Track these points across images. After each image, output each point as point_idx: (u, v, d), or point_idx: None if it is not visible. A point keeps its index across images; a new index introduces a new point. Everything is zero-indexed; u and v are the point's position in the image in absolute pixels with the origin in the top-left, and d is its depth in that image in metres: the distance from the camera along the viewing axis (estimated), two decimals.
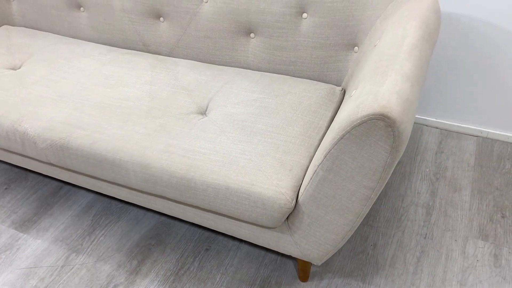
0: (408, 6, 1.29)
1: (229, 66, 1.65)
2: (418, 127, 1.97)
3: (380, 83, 0.99)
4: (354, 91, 1.13)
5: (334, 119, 1.20)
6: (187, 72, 1.57)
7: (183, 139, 1.28)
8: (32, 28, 1.96)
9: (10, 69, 1.65)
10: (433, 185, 1.69)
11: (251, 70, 1.60)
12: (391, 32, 1.20)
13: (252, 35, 1.59)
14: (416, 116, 2.00)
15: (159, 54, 1.76)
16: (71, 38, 1.84)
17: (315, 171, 1.08)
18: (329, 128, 1.14)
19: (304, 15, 1.48)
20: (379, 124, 0.93)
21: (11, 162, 1.59)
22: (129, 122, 1.35)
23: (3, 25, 1.97)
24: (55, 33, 1.91)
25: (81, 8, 1.83)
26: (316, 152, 1.14)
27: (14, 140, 1.40)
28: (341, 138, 0.99)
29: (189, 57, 1.70)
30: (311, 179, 1.10)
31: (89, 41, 1.86)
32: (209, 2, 1.59)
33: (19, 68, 1.66)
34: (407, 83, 1.00)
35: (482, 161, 1.79)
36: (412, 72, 1.05)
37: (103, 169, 1.30)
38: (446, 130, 1.95)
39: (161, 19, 1.71)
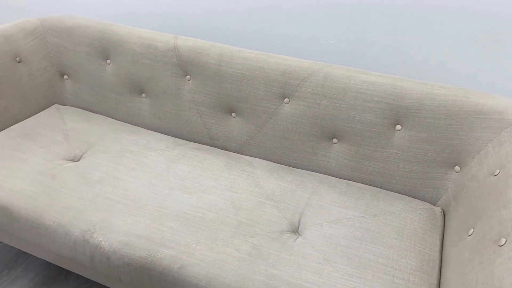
0: None
1: (306, 169, 1.49)
2: None
3: None
4: (472, 230, 0.99)
5: (444, 250, 1.04)
6: (267, 177, 1.40)
7: (285, 269, 1.09)
8: (84, 109, 1.78)
9: (70, 160, 1.45)
10: None
11: (334, 178, 1.44)
12: None
13: (335, 140, 1.44)
14: None
15: (227, 149, 1.59)
16: (130, 125, 1.67)
17: None
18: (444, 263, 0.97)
19: (398, 127, 1.35)
20: None
21: (56, 264, 1.36)
22: (218, 241, 1.16)
23: (53, 103, 1.78)
24: (110, 117, 1.73)
25: (143, 94, 1.67)
26: None
27: (82, 252, 1.19)
28: None
29: (262, 156, 1.54)
30: None
31: (148, 128, 1.68)
32: (290, 103, 1.44)
33: (79, 159, 1.47)
34: None
35: None
36: None
37: None
38: None
39: (233, 114, 1.56)
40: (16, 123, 1.65)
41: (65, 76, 1.78)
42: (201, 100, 1.57)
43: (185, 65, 1.57)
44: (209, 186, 1.35)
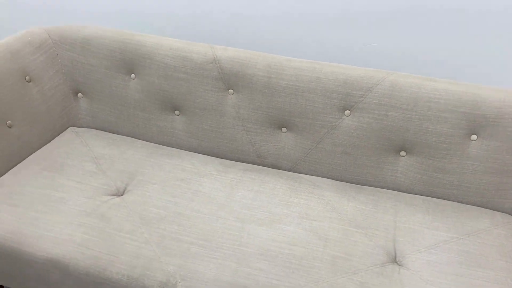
0: None
1: (371, 186, 1.38)
2: None
3: None
4: None
5: None
6: (339, 199, 1.28)
7: None
8: (103, 131, 1.56)
9: (113, 195, 1.26)
10: None
11: (407, 194, 1.35)
12: None
13: (403, 153, 1.34)
14: None
15: (278, 168, 1.45)
16: (165, 147, 1.48)
17: None
18: None
19: (473, 136, 1.27)
20: None
21: None
22: (321, 282, 1.03)
23: (68, 126, 1.55)
24: (137, 138, 1.53)
25: (176, 112, 1.49)
26: None
27: None
28: None
29: (319, 173, 1.41)
30: None
31: (184, 149, 1.51)
32: (352, 116, 1.32)
33: (123, 193, 1.27)
34: None
35: None
36: None
37: None
38: None
39: (284, 129, 1.41)
40: (31, 152, 1.41)
41: (79, 94, 1.55)
42: (247, 116, 1.41)
43: (228, 78, 1.40)
44: (282, 214, 1.21)
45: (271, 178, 1.35)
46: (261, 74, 1.37)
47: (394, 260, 1.11)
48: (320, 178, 1.38)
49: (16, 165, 1.36)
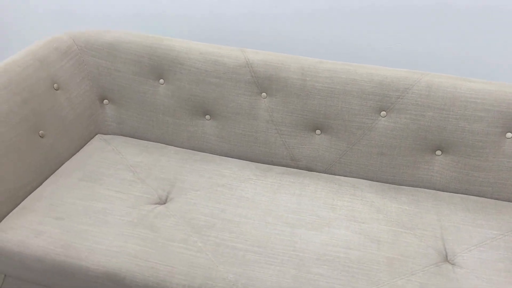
0: None
1: (408, 185, 1.40)
2: None
3: None
4: None
5: None
6: (381, 199, 1.29)
7: None
8: (131, 137, 1.54)
9: (157, 204, 1.23)
10: None
11: (445, 193, 1.37)
12: None
13: (438, 152, 1.36)
14: None
15: (312, 170, 1.45)
16: (199, 153, 1.46)
17: None
18: None
19: (509, 134, 1.30)
20: None
21: None
22: (381, 284, 1.03)
23: (95, 134, 1.52)
24: (167, 144, 1.51)
25: (207, 116, 1.47)
26: None
27: None
28: None
29: (354, 174, 1.41)
30: None
31: (215, 154, 1.49)
32: (388, 116, 1.33)
33: (167, 201, 1.25)
34: None
35: None
36: None
37: None
38: None
39: (317, 131, 1.41)
40: (62, 162, 1.37)
41: (105, 101, 1.52)
42: (281, 119, 1.41)
43: (261, 82, 1.39)
44: (329, 218, 1.21)
45: (309, 181, 1.34)
46: (296, 77, 1.36)
47: (446, 259, 1.13)
48: (357, 179, 1.39)
49: (49, 175, 1.32)
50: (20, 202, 1.21)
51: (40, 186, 1.27)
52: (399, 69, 1.36)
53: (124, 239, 1.10)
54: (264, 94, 1.41)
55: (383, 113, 1.34)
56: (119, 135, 1.54)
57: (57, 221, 1.14)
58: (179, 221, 1.16)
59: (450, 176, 1.36)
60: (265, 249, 1.10)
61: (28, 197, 1.23)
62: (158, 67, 1.44)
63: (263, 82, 1.39)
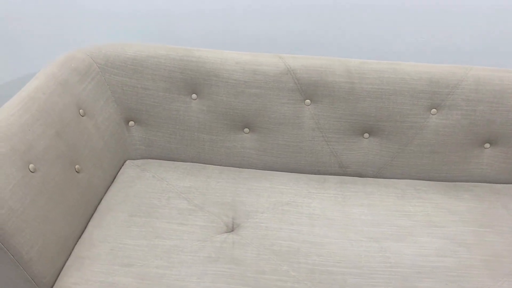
0: None
1: (460, 181, 1.38)
2: None
3: None
4: None
5: None
6: (447, 200, 1.27)
7: None
8: (162, 159, 1.40)
9: (225, 232, 1.13)
10: None
11: (499, 185, 1.36)
12: None
13: (487, 145, 1.35)
14: None
15: (362, 175, 1.39)
16: (243, 169, 1.36)
17: None
18: None
19: None
20: None
21: None
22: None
23: (124, 161, 1.36)
24: (203, 163, 1.39)
25: (245, 129, 1.37)
26: None
27: None
28: None
29: (406, 176, 1.38)
30: None
31: (258, 168, 1.39)
32: (439, 114, 1.31)
33: (234, 228, 1.15)
34: None
35: None
36: None
37: None
38: None
39: (366, 135, 1.36)
40: (100, 197, 1.22)
41: (131, 123, 1.36)
42: (327, 126, 1.34)
43: (305, 89, 1.31)
44: (409, 226, 1.16)
45: (371, 188, 1.29)
46: (343, 80, 1.29)
47: None
48: (412, 181, 1.35)
49: (92, 214, 1.16)
50: (72, 250, 1.04)
51: (87, 229, 1.10)
52: (443, 65, 1.33)
53: (211, 279, 0.98)
54: (308, 101, 1.32)
55: (433, 110, 1.31)
56: (148, 158, 1.39)
57: (127, 268, 0.99)
58: (260, 249, 1.06)
59: (500, 167, 1.36)
60: (361, 269, 1.03)
61: (78, 243, 1.06)
62: (191, 81, 1.31)
63: (308, 89, 1.31)
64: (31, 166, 0.97)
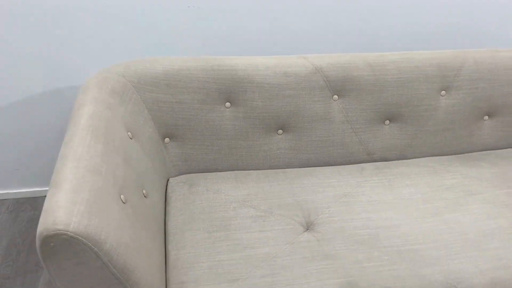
0: None
1: (467, 152, 1.55)
2: None
3: None
4: None
5: None
6: (470, 170, 1.41)
7: None
8: (202, 172, 1.38)
9: (304, 232, 1.16)
10: None
11: (498, 151, 1.54)
12: None
13: (486, 117, 1.53)
14: None
15: (387, 159, 1.50)
16: (287, 170, 1.39)
17: None
18: None
19: None
20: None
21: None
22: None
23: (167, 179, 1.32)
24: (243, 169, 1.40)
25: (279, 131, 1.40)
26: None
27: None
28: None
29: (426, 154, 1.51)
30: None
31: (294, 166, 1.43)
32: (447, 94, 1.46)
33: (310, 226, 1.18)
34: None
35: None
36: None
37: None
38: None
39: (387, 122, 1.47)
40: (163, 220, 1.17)
41: (167, 139, 1.33)
42: (355, 117, 1.42)
43: (334, 85, 1.38)
44: (454, 197, 1.28)
45: (405, 169, 1.39)
46: (367, 73, 1.38)
47: None
48: (432, 157, 1.48)
49: (165, 238, 1.12)
50: (166, 277, 1.00)
51: (169, 253, 1.07)
52: (446, 51, 1.47)
53: (316, 277, 1.01)
54: (335, 96, 1.39)
55: (443, 92, 1.44)
56: (186, 173, 1.36)
57: (234, 283, 0.98)
58: (345, 241, 1.11)
59: (498, 135, 1.54)
60: (438, 242, 1.12)
61: (169, 268, 1.02)
62: (225, 90, 1.31)
63: (336, 85, 1.37)
64: (122, 197, 0.92)
